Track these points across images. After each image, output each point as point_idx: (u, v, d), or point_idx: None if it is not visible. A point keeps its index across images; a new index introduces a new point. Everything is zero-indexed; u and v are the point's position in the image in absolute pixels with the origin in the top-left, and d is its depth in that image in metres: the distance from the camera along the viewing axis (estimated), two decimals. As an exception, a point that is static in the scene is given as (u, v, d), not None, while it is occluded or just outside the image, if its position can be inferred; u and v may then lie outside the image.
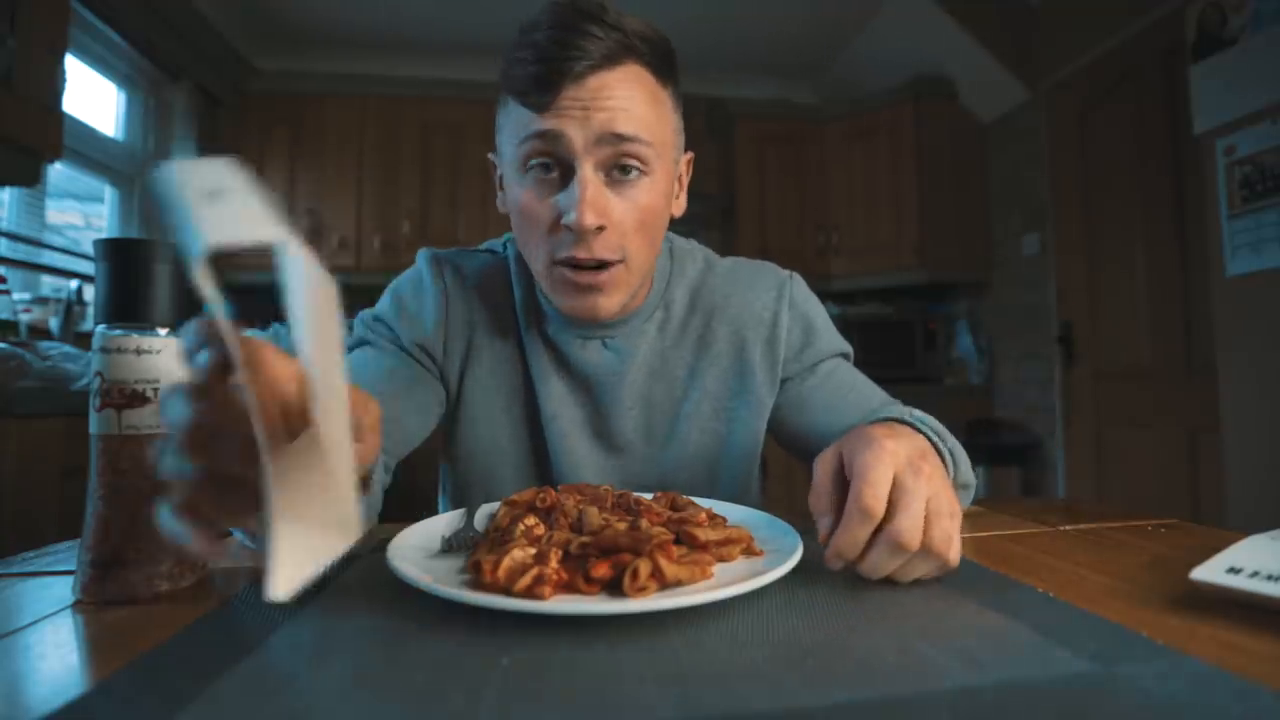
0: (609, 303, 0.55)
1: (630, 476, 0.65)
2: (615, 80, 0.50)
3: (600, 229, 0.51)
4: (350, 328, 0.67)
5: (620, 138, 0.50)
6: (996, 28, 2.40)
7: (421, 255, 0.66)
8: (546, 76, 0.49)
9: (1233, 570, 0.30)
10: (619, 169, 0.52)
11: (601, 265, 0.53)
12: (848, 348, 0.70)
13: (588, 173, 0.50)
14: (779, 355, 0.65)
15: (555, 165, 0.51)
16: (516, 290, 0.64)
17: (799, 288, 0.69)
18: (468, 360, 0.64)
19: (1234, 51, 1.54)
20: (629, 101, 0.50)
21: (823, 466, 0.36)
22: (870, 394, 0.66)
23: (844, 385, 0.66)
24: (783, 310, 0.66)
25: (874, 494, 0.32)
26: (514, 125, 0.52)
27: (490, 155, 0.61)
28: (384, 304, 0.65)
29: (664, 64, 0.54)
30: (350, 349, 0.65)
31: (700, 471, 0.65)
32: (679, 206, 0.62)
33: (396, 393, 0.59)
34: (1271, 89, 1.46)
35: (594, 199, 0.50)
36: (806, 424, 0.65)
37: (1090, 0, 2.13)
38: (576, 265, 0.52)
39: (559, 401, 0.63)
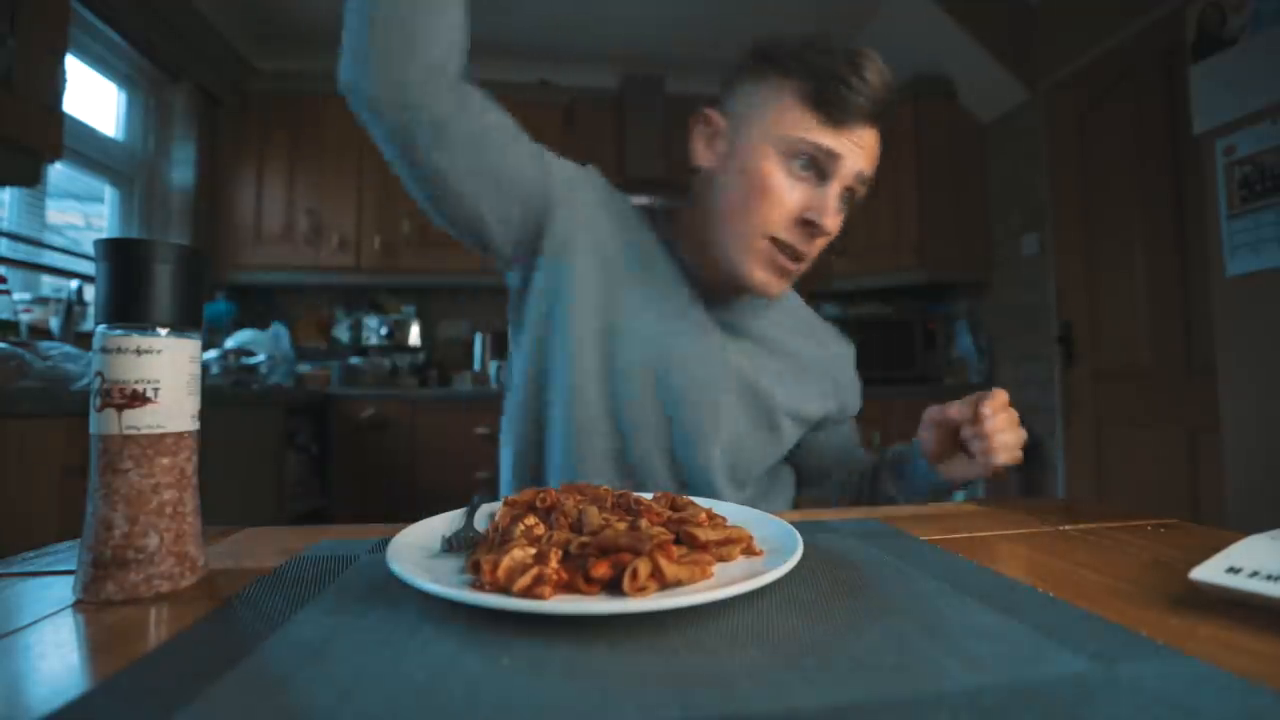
0: (784, 288, 0.65)
1: (738, 435, 0.68)
2: (876, 137, 0.62)
3: (829, 235, 0.61)
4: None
5: (865, 179, 0.62)
6: (996, 27, 2.40)
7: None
8: (853, 107, 0.58)
9: (1233, 570, 0.30)
10: (845, 196, 0.62)
11: (799, 259, 0.62)
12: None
13: (838, 189, 0.60)
14: (831, 413, 0.77)
15: (813, 167, 0.60)
16: (659, 238, 0.69)
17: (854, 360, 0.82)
18: (596, 257, 0.64)
19: (1234, 51, 1.54)
20: (877, 154, 0.63)
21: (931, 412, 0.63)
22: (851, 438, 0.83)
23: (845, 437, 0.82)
24: (851, 397, 0.79)
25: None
26: (795, 117, 0.59)
27: (714, 110, 0.65)
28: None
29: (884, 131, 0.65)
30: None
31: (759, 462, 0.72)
32: None
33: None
34: (1271, 89, 1.46)
35: (840, 212, 0.61)
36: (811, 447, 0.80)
37: (1090, 0, 2.13)
38: (789, 251, 0.61)
39: (710, 346, 0.67)
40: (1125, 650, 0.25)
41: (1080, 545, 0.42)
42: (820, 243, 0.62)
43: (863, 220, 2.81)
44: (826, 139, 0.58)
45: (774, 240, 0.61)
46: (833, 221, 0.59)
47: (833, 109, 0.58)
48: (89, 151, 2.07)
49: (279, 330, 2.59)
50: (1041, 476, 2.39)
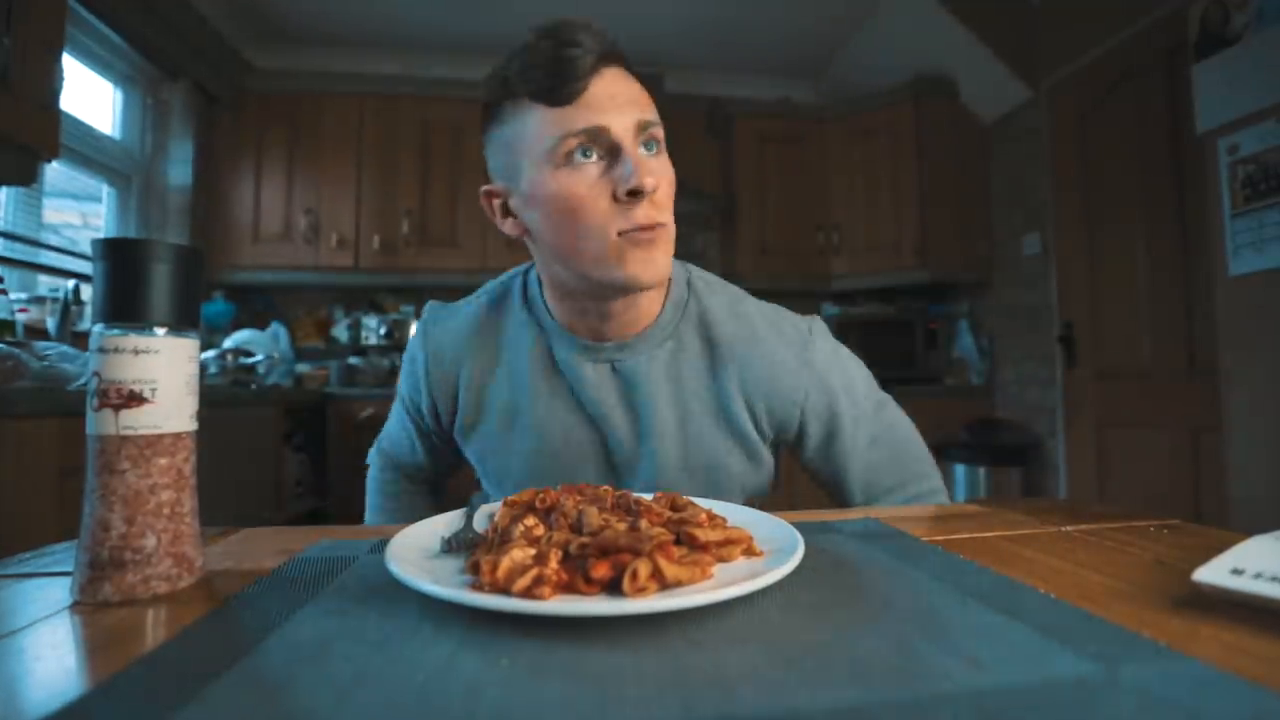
0: (666, 262, 0.59)
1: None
2: (621, 76, 0.57)
3: (654, 190, 0.56)
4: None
5: (647, 124, 0.57)
6: (998, 27, 2.40)
7: (419, 330, 0.73)
8: (572, 72, 0.54)
9: (1236, 571, 0.30)
10: (645, 146, 0.58)
11: (656, 228, 0.58)
12: (872, 397, 0.69)
13: (633, 148, 0.56)
14: (794, 435, 0.68)
15: (594, 150, 0.55)
16: (521, 316, 0.68)
17: (821, 357, 0.67)
18: (474, 400, 0.69)
19: (1237, 50, 1.54)
20: (639, 92, 0.58)
21: None
22: (891, 462, 0.68)
23: (859, 452, 0.68)
24: (809, 408, 0.66)
25: None
26: (539, 126, 0.56)
27: (487, 188, 0.63)
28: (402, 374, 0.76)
29: (632, 67, 0.61)
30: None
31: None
32: None
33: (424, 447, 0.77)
34: (1274, 88, 1.46)
35: (648, 166, 0.56)
36: (829, 471, 0.69)
37: (1091, -1, 2.13)
38: (639, 230, 0.56)
39: (562, 426, 0.66)
40: (1127, 651, 0.25)
41: (1082, 546, 0.42)
42: (661, 201, 0.57)
43: (863, 220, 2.81)
44: (576, 120, 0.54)
45: (621, 234, 0.56)
46: (649, 178, 0.54)
47: (557, 90, 0.54)
48: (86, 150, 2.06)
49: (277, 330, 2.58)
50: (1042, 477, 2.39)
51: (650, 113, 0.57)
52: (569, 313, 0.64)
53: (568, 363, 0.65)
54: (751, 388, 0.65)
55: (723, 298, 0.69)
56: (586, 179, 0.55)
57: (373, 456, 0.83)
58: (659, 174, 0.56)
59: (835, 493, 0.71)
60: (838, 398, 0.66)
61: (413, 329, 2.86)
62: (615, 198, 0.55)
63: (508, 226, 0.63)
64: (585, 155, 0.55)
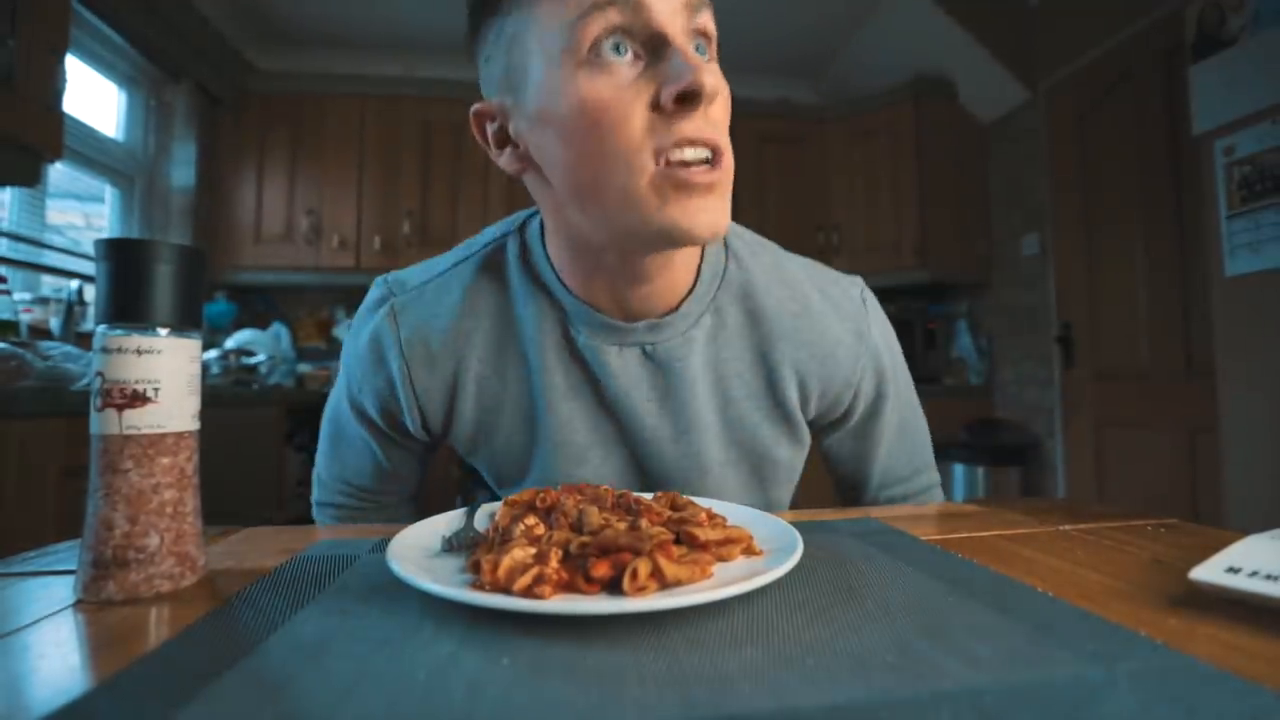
0: (724, 215, 0.44)
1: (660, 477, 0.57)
2: None
3: (714, 98, 0.41)
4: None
5: (700, 3, 0.43)
6: (996, 27, 2.40)
7: (378, 314, 0.55)
8: None
9: (1232, 570, 0.30)
10: (696, 46, 0.43)
11: (712, 158, 0.43)
12: (907, 375, 0.64)
13: (685, 41, 0.41)
14: (838, 416, 0.60)
15: (629, 45, 0.41)
16: (524, 287, 0.53)
17: (877, 331, 0.59)
18: (481, 403, 0.56)
19: (1234, 51, 1.54)
20: None
21: None
22: (909, 449, 0.63)
23: (889, 435, 0.62)
24: (862, 388, 0.58)
25: None
26: (556, 5, 0.41)
27: (478, 107, 0.48)
28: (341, 377, 0.59)
29: None
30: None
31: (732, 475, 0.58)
32: None
33: (382, 464, 0.61)
34: (1271, 89, 1.46)
35: (708, 61, 0.42)
36: (849, 457, 0.63)
37: (1090, 1, 2.13)
38: (689, 156, 0.42)
39: (587, 425, 0.55)
40: (1125, 650, 0.25)
41: (1080, 545, 0.42)
42: (718, 118, 0.43)
43: (863, 220, 2.81)
44: None
45: (662, 158, 0.41)
46: (708, 77, 0.40)
47: None
48: (89, 151, 2.07)
49: (279, 330, 2.59)
50: (1041, 477, 2.39)
51: None
52: (585, 278, 0.50)
53: (590, 349, 0.52)
54: (806, 367, 0.55)
55: (765, 259, 0.57)
56: (618, 80, 0.41)
57: (320, 516, 0.65)
58: (715, 78, 0.41)
59: (850, 477, 0.64)
60: (887, 379, 0.59)
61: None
62: (658, 106, 0.41)
63: (505, 159, 0.48)
64: (618, 52, 0.41)
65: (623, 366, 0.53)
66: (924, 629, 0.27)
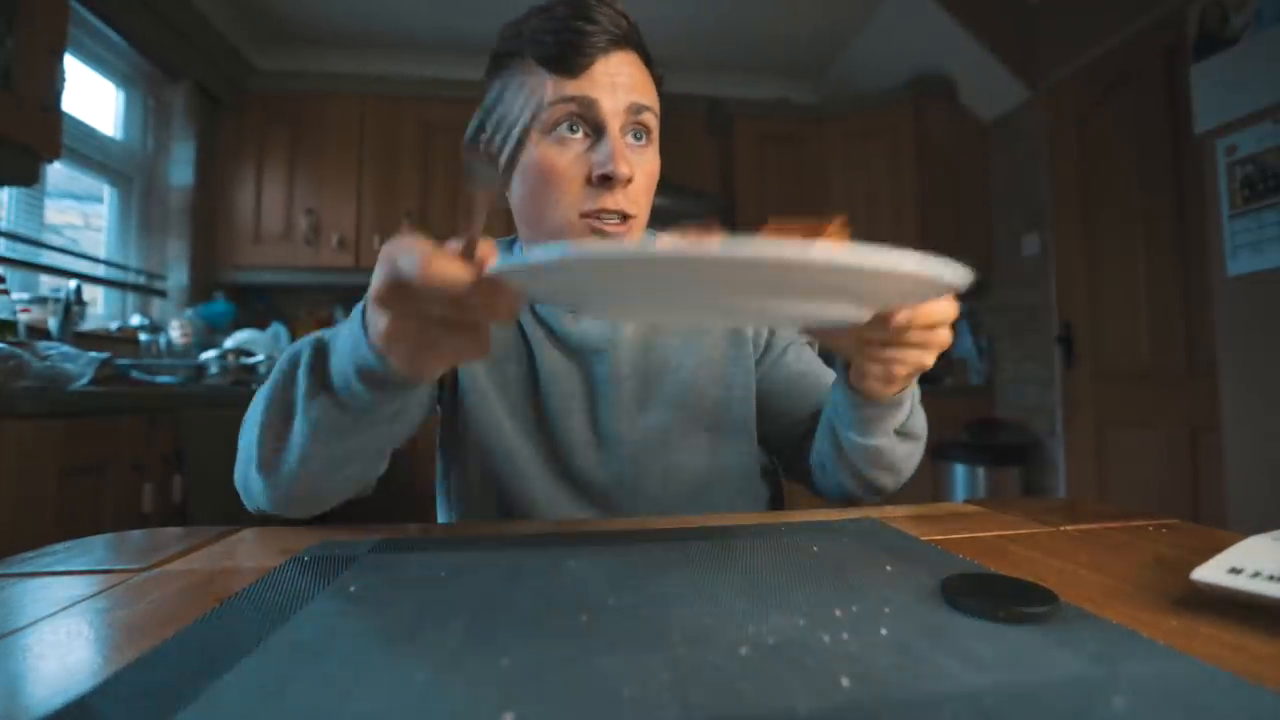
0: None
1: (629, 448, 0.64)
2: (628, 60, 0.57)
3: (628, 181, 0.56)
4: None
5: (640, 108, 0.57)
6: (997, 27, 2.40)
7: None
8: (580, 47, 0.55)
9: (1234, 570, 0.30)
10: (634, 135, 0.58)
11: (623, 219, 0.57)
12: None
13: (617, 133, 0.56)
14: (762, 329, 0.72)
15: (582, 127, 0.56)
16: None
17: None
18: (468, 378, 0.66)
19: (1235, 51, 1.54)
20: (642, 79, 0.58)
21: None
22: (826, 374, 0.72)
23: (809, 366, 0.72)
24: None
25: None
26: (535, 88, 0.56)
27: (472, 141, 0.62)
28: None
29: (648, 55, 0.62)
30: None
31: (701, 441, 0.66)
32: None
33: None
34: (1273, 88, 1.46)
35: (626, 154, 0.56)
36: (779, 401, 0.71)
37: None
38: (603, 216, 0.56)
39: (553, 374, 0.65)
40: (1126, 651, 0.25)
41: (1081, 545, 0.42)
42: (634, 193, 0.57)
43: (863, 220, 2.81)
44: (569, 89, 0.55)
45: (585, 215, 0.56)
46: (624, 166, 0.54)
47: (564, 58, 0.55)
48: (88, 151, 2.06)
49: (278, 330, 2.58)
50: (1042, 476, 2.39)
51: (647, 98, 0.57)
52: None
53: (548, 313, 0.66)
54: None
55: None
56: (567, 154, 0.56)
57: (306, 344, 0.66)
58: (638, 165, 0.57)
59: (812, 409, 0.69)
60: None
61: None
62: (589, 180, 0.55)
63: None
64: (572, 130, 0.56)
65: (574, 325, 0.65)
66: (924, 629, 0.27)
